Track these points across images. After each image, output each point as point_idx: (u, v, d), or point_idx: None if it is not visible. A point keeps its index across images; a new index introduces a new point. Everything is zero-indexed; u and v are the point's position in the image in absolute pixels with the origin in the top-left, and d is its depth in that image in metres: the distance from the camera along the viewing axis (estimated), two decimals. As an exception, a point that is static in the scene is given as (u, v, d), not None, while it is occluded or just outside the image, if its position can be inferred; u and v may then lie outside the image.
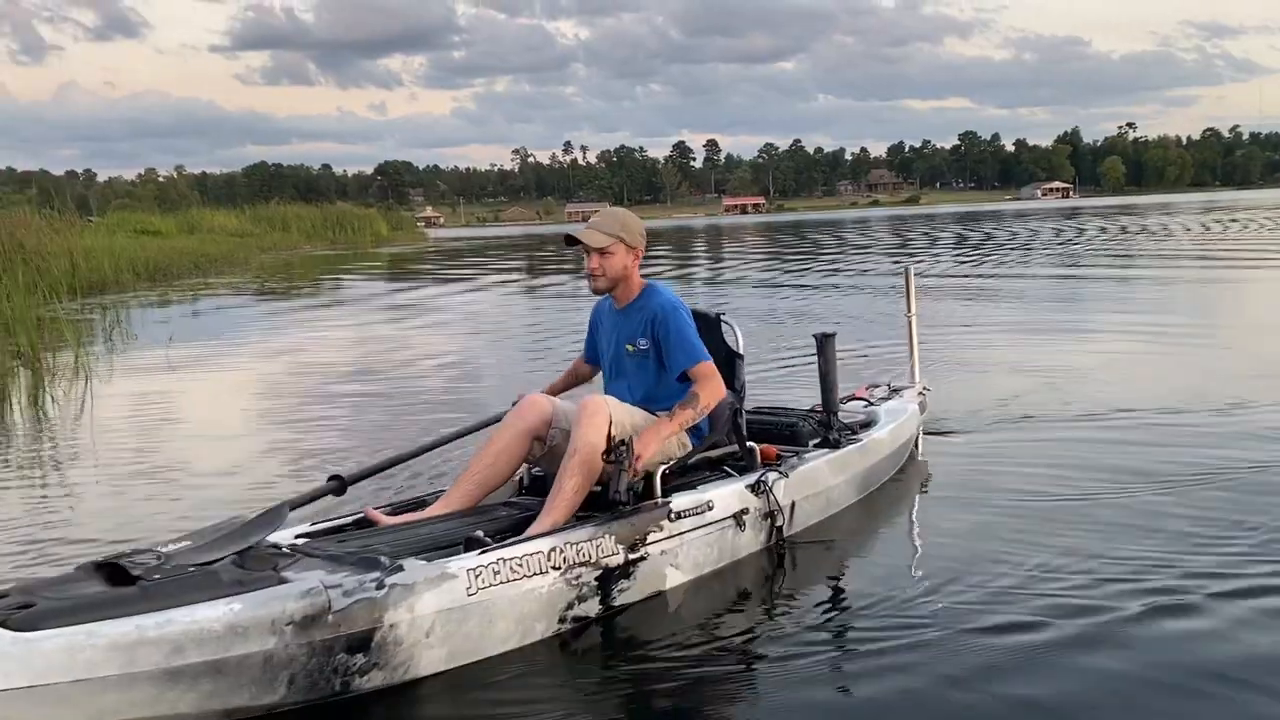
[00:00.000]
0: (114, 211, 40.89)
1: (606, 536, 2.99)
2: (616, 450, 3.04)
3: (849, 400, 4.77)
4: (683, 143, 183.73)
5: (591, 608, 2.96)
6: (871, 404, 4.74)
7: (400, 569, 2.57)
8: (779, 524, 3.51)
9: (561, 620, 2.88)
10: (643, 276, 3.55)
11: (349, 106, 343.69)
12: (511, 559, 2.76)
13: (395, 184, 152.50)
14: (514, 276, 22.00)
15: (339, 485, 3.20)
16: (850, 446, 4.02)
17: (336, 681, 2.45)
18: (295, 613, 2.35)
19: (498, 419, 3.59)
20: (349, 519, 3.20)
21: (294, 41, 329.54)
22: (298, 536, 2.99)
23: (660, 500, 3.21)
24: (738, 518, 3.37)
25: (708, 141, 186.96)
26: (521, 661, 2.76)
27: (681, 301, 3.46)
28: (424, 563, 2.67)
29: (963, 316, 10.33)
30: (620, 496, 3.02)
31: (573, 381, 3.88)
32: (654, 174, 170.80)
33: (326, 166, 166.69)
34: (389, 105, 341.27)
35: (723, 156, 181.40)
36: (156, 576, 2.33)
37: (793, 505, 3.60)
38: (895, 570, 3.40)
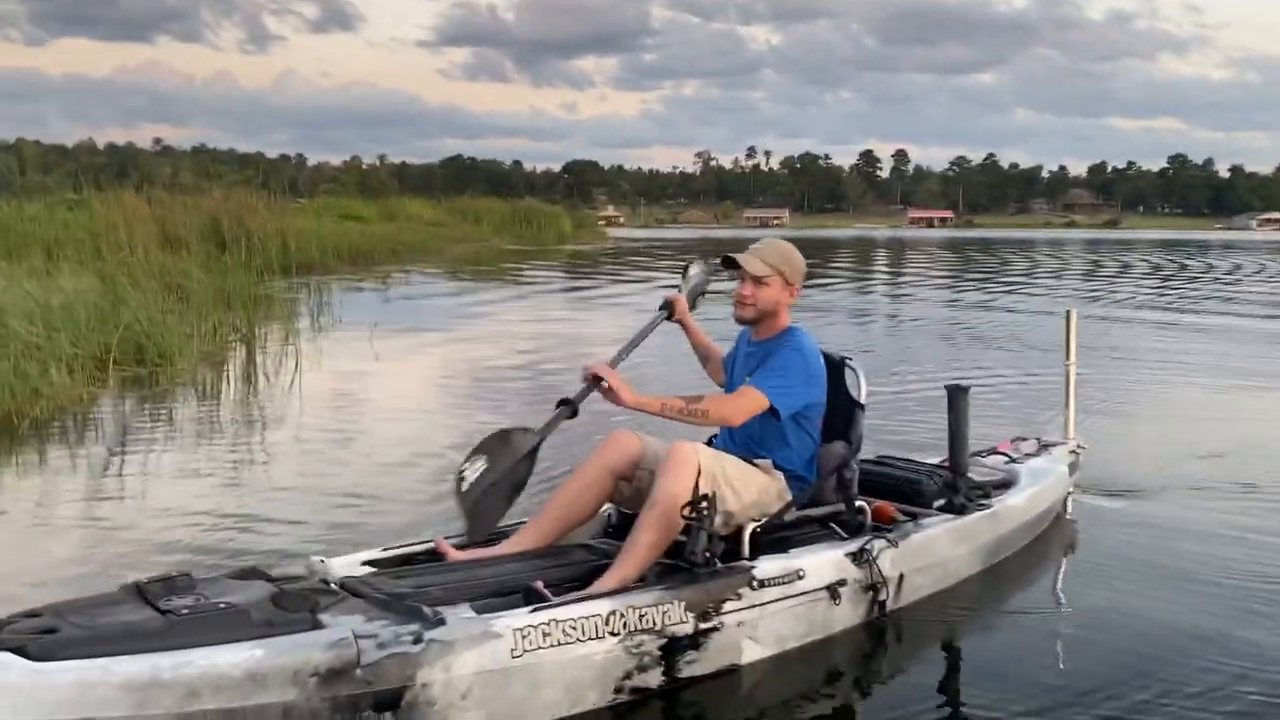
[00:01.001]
0: (321, 196, 43.36)
1: (675, 602, 2.70)
2: (698, 505, 2.76)
3: (989, 454, 4.36)
4: (870, 151, 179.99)
5: (653, 679, 2.69)
6: (1014, 460, 4.29)
7: (442, 622, 2.39)
8: (882, 598, 3.16)
9: (618, 690, 2.63)
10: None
11: (541, 105, 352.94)
12: (565, 620, 2.52)
13: (581, 182, 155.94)
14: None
15: (570, 409, 3.08)
16: (978, 514, 3.61)
17: None
18: (321, 664, 2.21)
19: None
20: (421, 546, 3.07)
21: (494, 39, 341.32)
22: (364, 563, 2.94)
23: (742, 565, 2.92)
24: (832, 589, 3.03)
25: (896, 151, 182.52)
26: None
27: (817, 351, 3.24)
28: (468, 617, 2.49)
29: (1143, 358, 9.49)
30: (696, 558, 2.76)
31: (717, 354, 3.60)
32: (837, 182, 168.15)
33: (517, 163, 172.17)
34: (579, 105, 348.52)
35: (911, 167, 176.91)
36: (185, 611, 2.25)
37: (901, 577, 3.24)
38: (1018, 657, 3.05)
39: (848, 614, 3.11)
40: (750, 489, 3.04)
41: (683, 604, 2.72)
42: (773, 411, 3.09)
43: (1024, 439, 4.59)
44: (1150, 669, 2.91)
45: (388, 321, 11.37)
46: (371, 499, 4.60)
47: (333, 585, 2.64)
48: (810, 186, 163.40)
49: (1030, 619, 3.44)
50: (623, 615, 2.61)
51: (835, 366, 3.37)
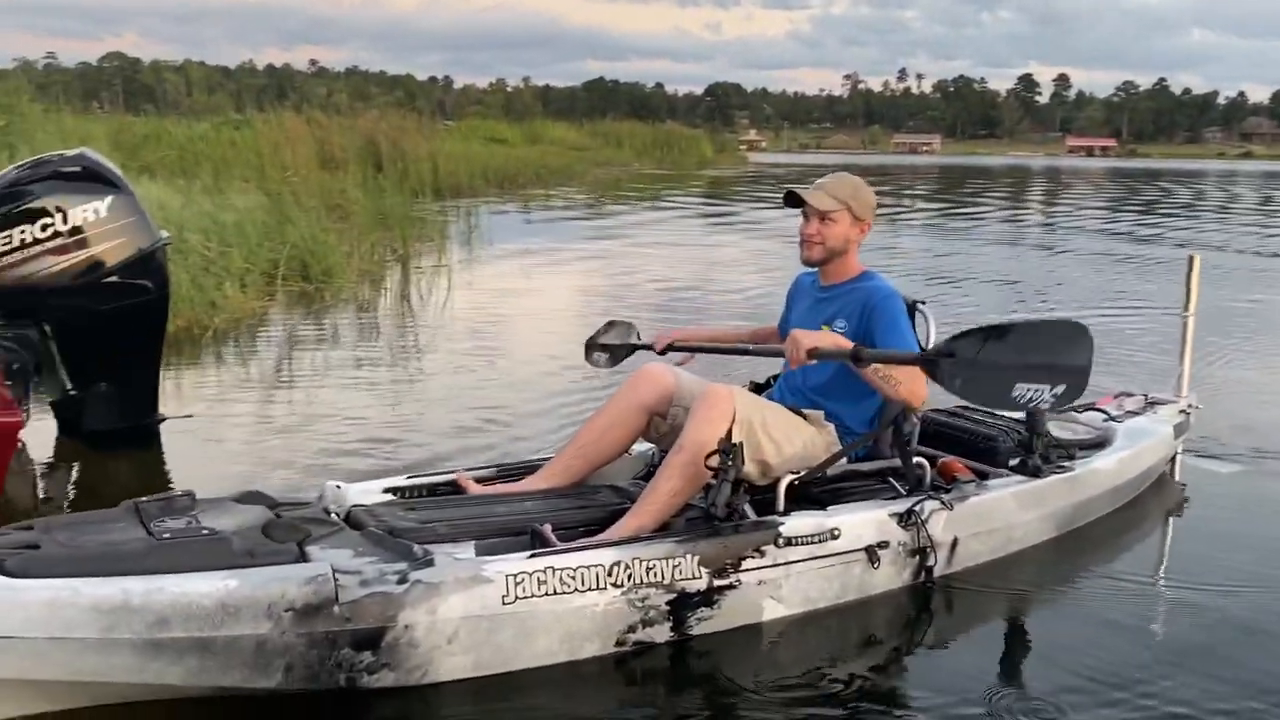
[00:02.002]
0: (467, 118, 44.09)
1: (688, 556, 2.54)
2: (723, 454, 2.58)
3: (1086, 410, 4.01)
4: (1029, 75, 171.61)
5: (659, 633, 2.55)
6: (1112, 418, 3.94)
7: (430, 563, 2.31)
8: (930, 563, 2.93)
9: (620, 643, 2.50)
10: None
11: (685, 25, 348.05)
12: (564, 569, 2.40)
13: (722, 105, 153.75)
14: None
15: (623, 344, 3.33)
16: (1055, 477, 3.31)
17: (340, 676, 2.23)
18: (296, 599, 2.16)
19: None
20: (444, 478, 3.03)
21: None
22: (385, 490, 2.92)
23: (768, 520, 2.71)
24: (871, 551, 2.81)
25: (1058, 76, 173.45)
26: (566, 676, 2.43)
27: (898, 292, 3.04)
28: (459, 559, 2.40)
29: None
30: (716, 511, 2.60)
31: (766, 337, 3.39)
32: (992, 107, 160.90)
33: (659, 85, 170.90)
34: (724, 25, 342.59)
35: (1072, 93, 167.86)
36: (167, 536, 2.24)
37: (955, 542, 3.01)
38: (1085, 638, 2.72)
39: (889, 578, 2.89)
40: (793, 441, 2.86)
41: (696, 558, 2.55)
42: None
43: (1130, 394, 4.29)
44: (1250, 674, 2.52)
45: (533, 244, 11.64)
46: (511, 416, 4.81)
47: (334, 515, 2.61)
48: (963, 111, 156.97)
49: (1107, 596, 3.05)
50: (628, 567, 2.47)
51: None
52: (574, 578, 2.41)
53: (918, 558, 2.92)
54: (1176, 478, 4.14)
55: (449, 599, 2.28)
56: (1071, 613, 2.98)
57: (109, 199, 3.92)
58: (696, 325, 3.45)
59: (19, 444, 3.55)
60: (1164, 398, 4.25)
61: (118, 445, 4.15)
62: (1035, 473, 3.28)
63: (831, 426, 2.99)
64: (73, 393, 4.09)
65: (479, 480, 3.03)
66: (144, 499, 2.41)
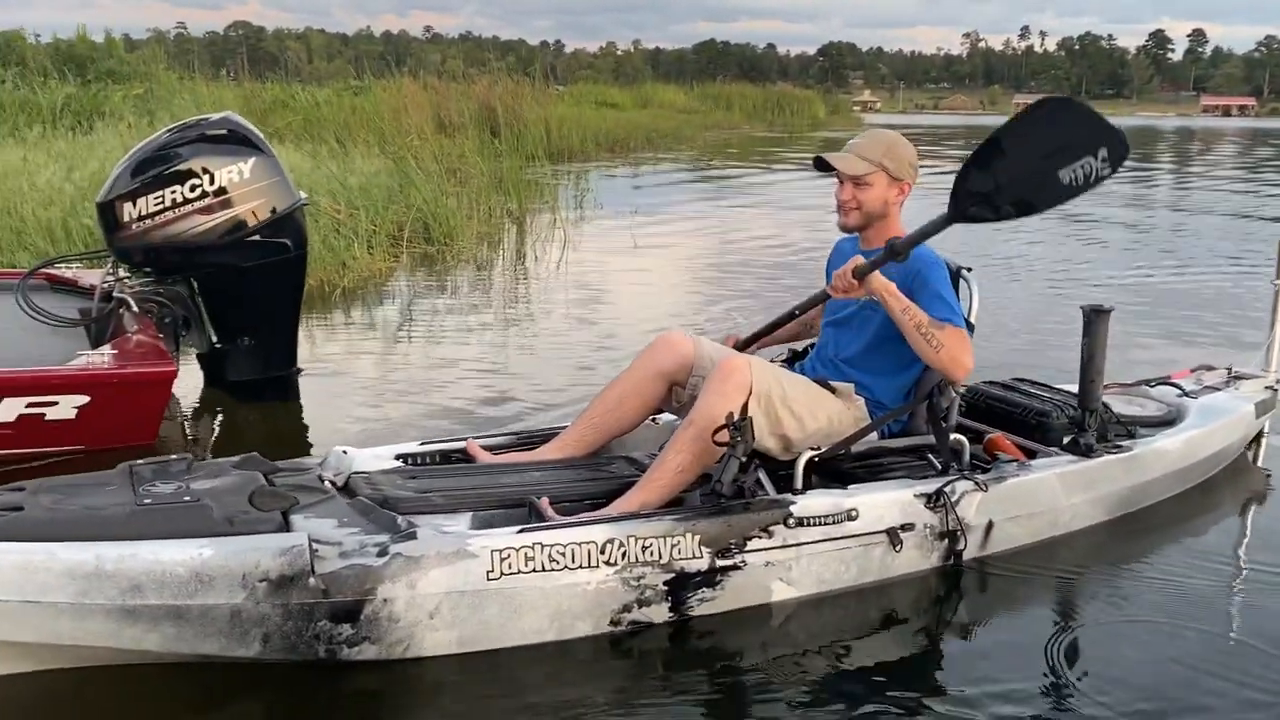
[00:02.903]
0: (578, 82, 44.24)
1: (688, 535, 2.44)
2: (732, 428, 2.45)
3: (1158, 384, 3.78)
4: (1160, 31, 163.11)
5: (657, 614, 2.46)
6: (1187, 393, 3.67)
7: (412, 537, 2.26)
8: (959, 547, 2.77)
9: (614, 623, 2.43)
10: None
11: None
12: (553, 545, 2.32)
13: (836, 66, 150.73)
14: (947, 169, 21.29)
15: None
16: (1110, 457, 3.10)
17: (320, 648, 2.21)
18: (270, 569, 2.13)
19: None
20: (458, 445, 2.97)
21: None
22: (397, 456, 2.89)
23: (777, 499, 2.58)
24: (893, 534, 2.66)
25: (1193, 31, 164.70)
26: (557, 654, 2.37)
27: (942, 259, 2.87)
28: (443, 533, 2.33)
29: None
30: (723, 489, 2.49)
31: (799, 331, 3.26)
32: (1120, 65, 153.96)
33: (770, 46, 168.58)
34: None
35: (1209, 49, 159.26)
36: (148, 501, 2.23)
37: (990, 525, 2.84)
38: (1132, 637, 2.53)
39: (913, 561, 2.75)
40: (817, 415, 2.73)
41: (697, 537, 2.45)
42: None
43: (1211, 367, 3.97)
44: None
45: (643, 207, 11.70)
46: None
47: (330, 483, 2.58)
48: (1088, 71, 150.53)
49: (1163, 588, 2.81)
50: (622, 545, 2.38)
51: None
52: (564, 554, 2.33)
53: (946, 541, 2.77)
54: (1259, 461, 3.85)
55: (430, 573, 2.23)
56: (1112, 610, 2.72)
57: (252, 161, 4.12)
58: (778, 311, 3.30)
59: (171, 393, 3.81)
60: (1250, 372, 3.92)
61: (258, 395, 4.38)
62: (1087, 452, 3.08)
63: (861, 401, 2.85)
64: (218, 345, 4.33)
65: (494, 448, 2.96)
66: (140, 461, 2.43)
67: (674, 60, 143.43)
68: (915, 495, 2.72)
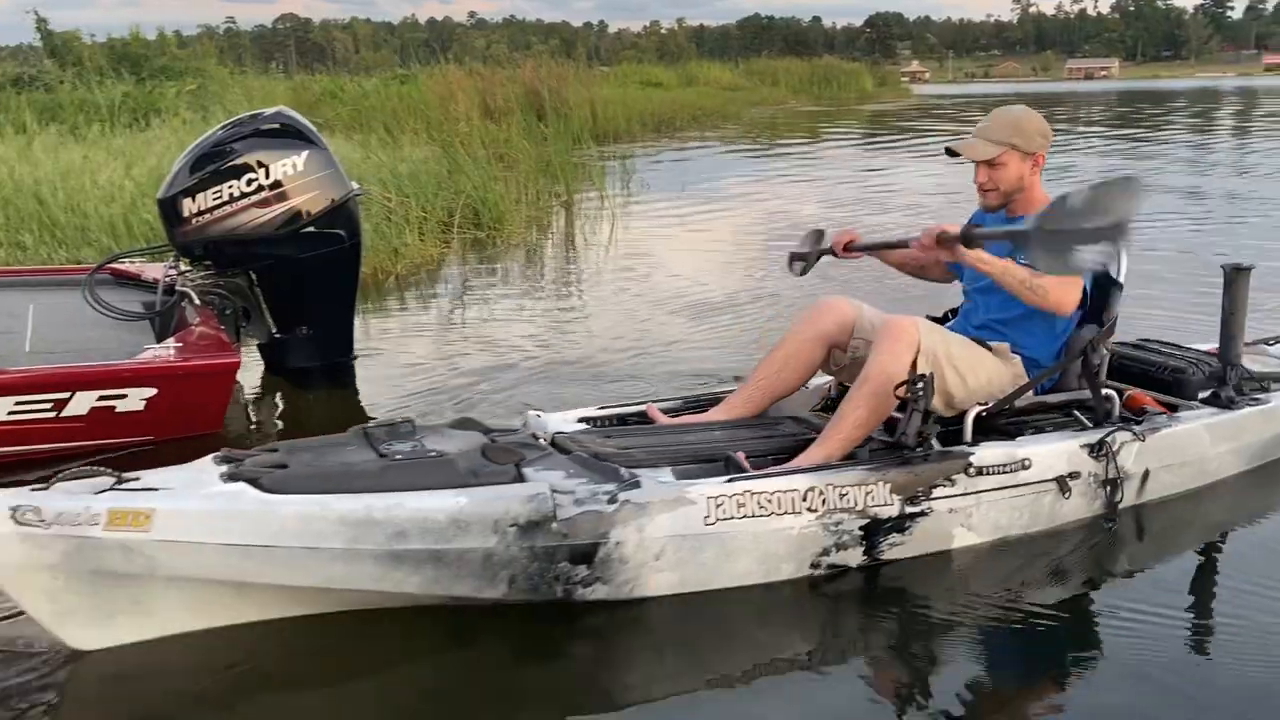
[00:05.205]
0: (622, 63, 44.10)
1: (880, 484, 2.63)
2: (913, 385, 2.63)
3: (1278, 341, 3.85)
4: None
5: (851, 557, 2.66)
6: None
7: (637, 485, 2.46)
8: (1119, 495, 2.94)
9: (814, 566, 2.63)
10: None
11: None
12: (761, 493, 2.52)
13: (883, 37, 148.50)
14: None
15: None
16: (1249, 409, 3.24)
17: (558, 588, 2.42)
18: (519, 515, 2.34)
19: None
20: (634, 409, 3.15)
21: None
22: (580, 419, 3.05)
23: (959, 450, 2.76)
24: (1062, 481, 2.85)
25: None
26: (763, 596, 2.56)
27: None
28: (664, 481, 2.54)
29: None
30: (908, 440, 2.66)
31: (906, 262, 3.33)
32: (1177, 26, 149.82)
33: (816, 19, 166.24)
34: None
35: (1270, 4, 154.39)
36: (399, 457, 2.42)
37: (1146, 473, 3.01)
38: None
39: (1078, 508, 2.92)
40: (978, 373, 2.86)
41: (888, 485, 2.64)
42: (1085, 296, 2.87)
43: None
44: None
45: (691, 187, 11.68)
46: (672, 355, 4.95)
47: (541, 440, 2.77)
48: (1144, 32, 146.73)
49: None
50: (822, 492, 2.58)
51: None
52: (771, 501, 2.53)
53: (1108, 489, 2.93)
54: None
55: (656, 518, 2.43)
56: (1262, 549, 2.93)
57: (305, 153, 4.19)
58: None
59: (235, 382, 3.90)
60: None
61: (318, 382, 4.48)
62: (1229, 405, 3.23)
63: (1018, 359, 2.96)
64: (277, 335, 4.42)
65: (665, 412, 3.14)
66: (369, 424, 2.64)
67: (718, 37, 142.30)
68: (1080, 445, 2.90)
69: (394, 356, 5.04)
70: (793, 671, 2.36)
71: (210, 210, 4.07)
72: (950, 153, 3.00)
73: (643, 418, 3.11)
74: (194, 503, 2.24)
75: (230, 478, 2.32)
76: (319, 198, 4.22)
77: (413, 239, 7.24)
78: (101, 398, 3.53)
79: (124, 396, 3.55)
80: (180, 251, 4.25)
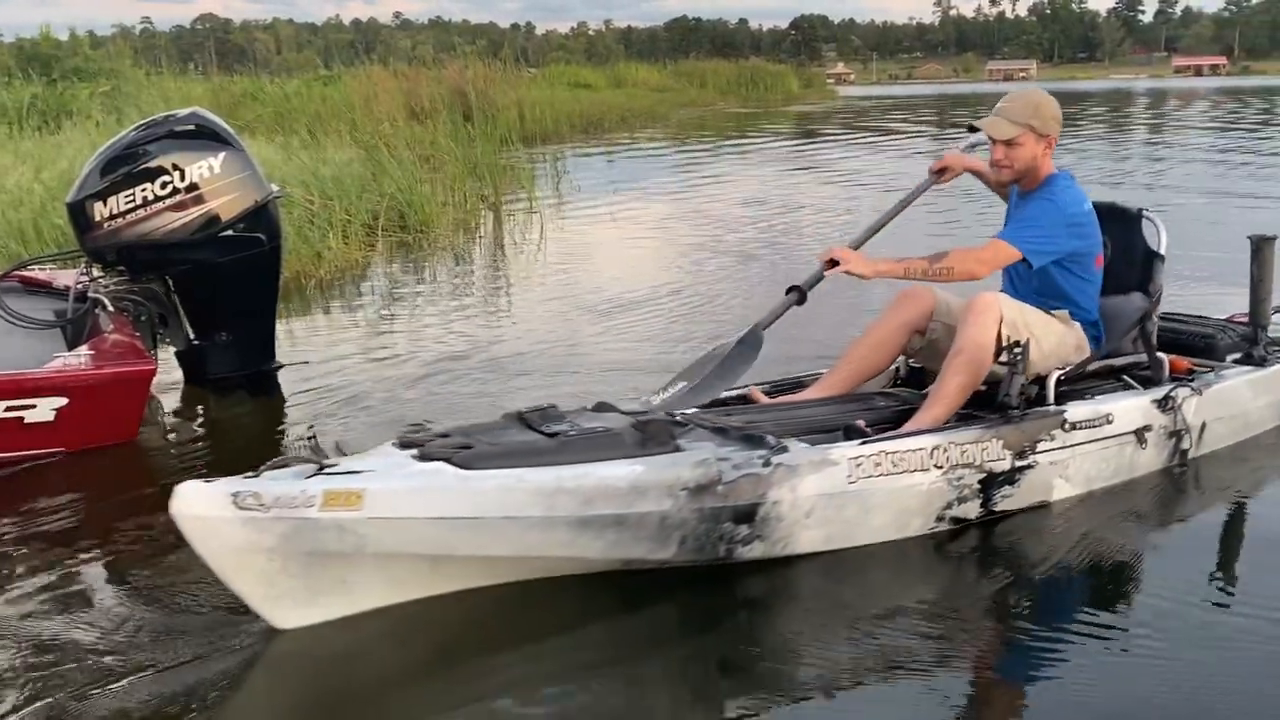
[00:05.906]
0: (550, 64, 43.96)
1: (994, 440, 2.91)
2: (1010, 351, 2.95)
3: None
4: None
5: (971, 510, 2.93)
6: None
7: (785, 449, 2.65)
8: (1185, 445, 3.30)
9: (939, 519, 2.89)
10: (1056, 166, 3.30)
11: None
12: (894, 452, 2.76)
13: (808, 39, 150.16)
14: (922, 140, 21.34)
15: (799, 295, 3.23)
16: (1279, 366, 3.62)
17: (721, 548, 2.61)
18: (690, 479, 2.52)
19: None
20: (734, 393, 3.28)
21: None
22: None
23: (1054, 408, 3.07)
24: (1139, 434, 3.18)
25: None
26: (895, 553, 2.81)
27: (1077, 198, 3.19)
28: (807, 445, 2.72)
29: None
30: (1012, 400, 2.94)
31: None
32: (1092, 28, 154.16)
33: (743, 21, 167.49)
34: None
35: (1179, 9, 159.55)
36: (573, 433, 2.59)
37: (1203, 425, 3.35)
38: None
39: (1152, 458, 3.26)
40: (1049, 338, 3.14)
41: (1001, 442, 2.91)
42: (1025, 262, 3.12)
43: None
44: None
45: (620, 189, 11.68)
46: (601, 351, 4.94)
47: (678, 418, 2.88)
48: (1060, 35, 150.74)
49: None
50: (946, 450, 2.83)
51: (1131, 218, 3.44)
52: (904, 459, 2.77)
53: (1175, 440, 3.28)
54: None
55: (806, 479, 2.65)
56: None
57: (222, 155, 4.10)
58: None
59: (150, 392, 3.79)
60: None
61: (239, 391, 4.38)
62: (1261, 362, 3.58)
63: (1078, 325, 3.25)
64: (195, 342, 4.32)
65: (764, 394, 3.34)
66: (523, 409, 2.76)
67: (646, 39, 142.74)
68: (1151, 400, 3.22)
69: (318, 363, 4.93)
70: (924, 622, 2.53)
71: (123, 214, 3.97)
72: (972, 129, 3.38)
73: (745, 400, 3.30)
74: (400, 482, 2.36)
75: (425, 457, 2.43)
76: (237, 200, 4.13)
77: (336, 242, 7.12)
78: (9, 409, 3.41)
79: (33, 407, 3.44)
80: (92, 257, 4.13)
